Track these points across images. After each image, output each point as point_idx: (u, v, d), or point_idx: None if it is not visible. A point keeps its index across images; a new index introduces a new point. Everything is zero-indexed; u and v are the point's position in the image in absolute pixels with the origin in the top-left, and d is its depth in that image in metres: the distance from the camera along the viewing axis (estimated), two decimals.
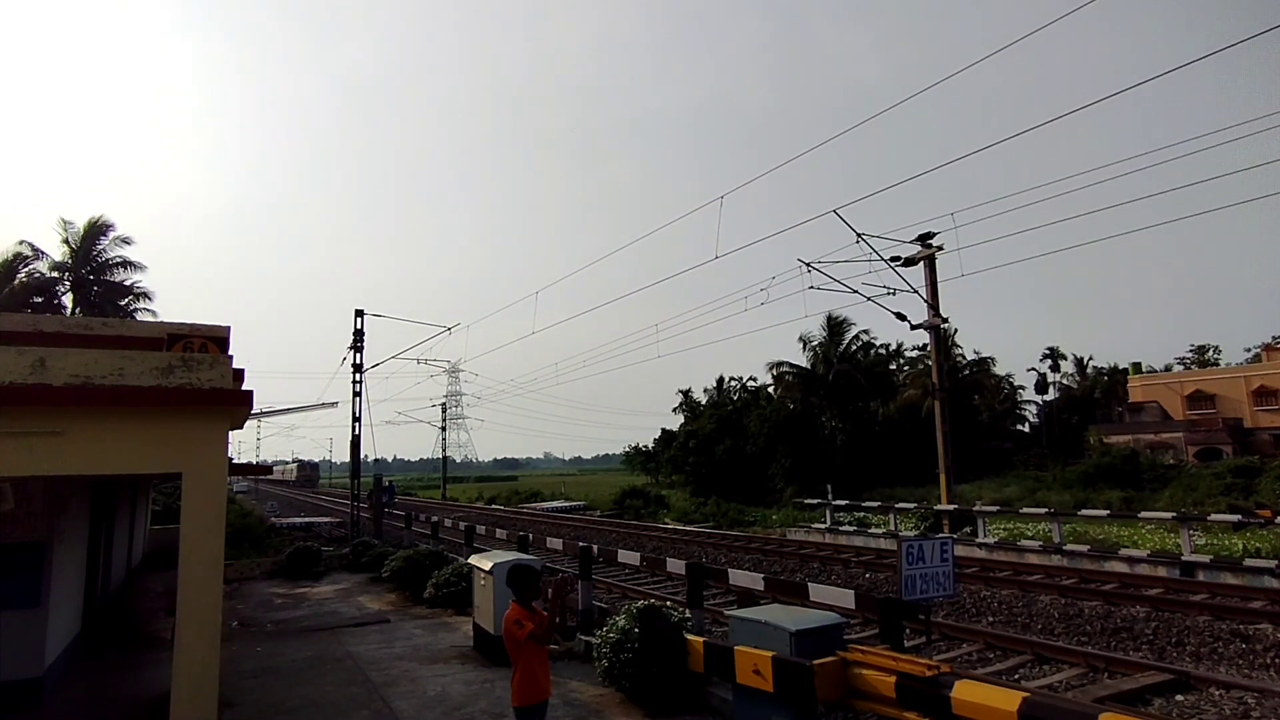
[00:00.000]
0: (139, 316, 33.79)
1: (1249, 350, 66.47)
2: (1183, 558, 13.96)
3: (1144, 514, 17.72)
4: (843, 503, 24.29)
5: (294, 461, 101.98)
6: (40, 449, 5.78)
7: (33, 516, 7.51)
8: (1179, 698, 7.35)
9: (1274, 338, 64.41)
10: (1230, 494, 28.02)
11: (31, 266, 33.73)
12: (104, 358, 6.16)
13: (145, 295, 35.82)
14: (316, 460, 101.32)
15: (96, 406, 5.97)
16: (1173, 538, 17.83)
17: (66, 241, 34.36)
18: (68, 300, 34.34)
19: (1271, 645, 8.98)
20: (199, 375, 6.37)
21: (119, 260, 35.39)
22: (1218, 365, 65.78)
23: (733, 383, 61.69)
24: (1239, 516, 16.22)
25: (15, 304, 30.54)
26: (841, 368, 45.71)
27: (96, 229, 34.73)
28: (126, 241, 35.55)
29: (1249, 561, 13.37)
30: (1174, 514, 16.58)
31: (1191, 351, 73.22)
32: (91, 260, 34.83)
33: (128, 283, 35.53)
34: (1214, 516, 16.87)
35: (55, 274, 34.31)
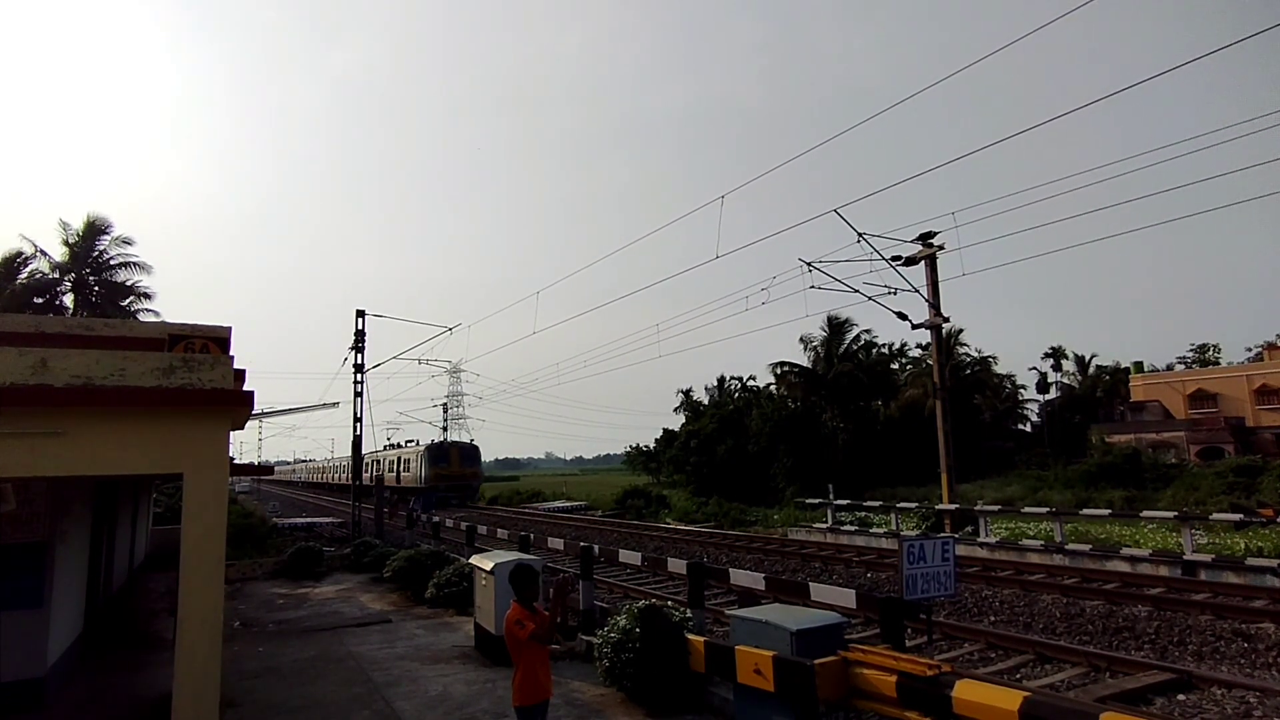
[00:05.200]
0: (141, 317, 33.83)
1: (1250, 349, 66.43)
2: (1185, 557, 13.93)
3: (1146, 513, 17.69)
4: (844, 502, 24.26)
5: (416, 444, 47.48)
6: (42, 450, 5.79)
7: (35, 517, 7.52)
8: (1181, 697, 7.35)
9: (1277, 336, 64.37)
10: (1232, 493, 27.96)
11: (33, 267, 33.82)
12: (105, 358, 6.17)
13: (147, 295, 35.87)
14: (472, 440, 47.30)
15: (98, 407, 5.98)
16: (1175, 537, 17.80)
17: (66, 242, 34.41)
18: (69, 300, 34.39)
19: (1274, 645, 8.96)
20: (200, 376, 6.38)
21: (120, 260, 35.44)
22: (1218, 364, 65.69)
23: (734, 382, 61.80)
24: (1241, 515, 16.22)
25: (16, 304, 30.58)
26: (843, 367, 45.70)
27: (95, 229, 34.72)
28: (127, 242, 35.60)
29: (1251, 561, 13.34)
30: (1176, 513, 16.56)
31: (1193, 350, 73.17)
32: (91, 260, 34.87)
33: (129, 283, 35.59)
34: (1216, 516, 16.85)
35: (56, 274, 34.36)
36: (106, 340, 7.60)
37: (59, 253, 34.38)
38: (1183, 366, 68.91)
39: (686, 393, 63.49)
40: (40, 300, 33.25)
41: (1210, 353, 71.44)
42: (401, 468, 46.07)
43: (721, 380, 62.92)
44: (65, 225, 34.42)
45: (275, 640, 10.37)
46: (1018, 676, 8.27)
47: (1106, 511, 19.62)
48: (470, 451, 43.95)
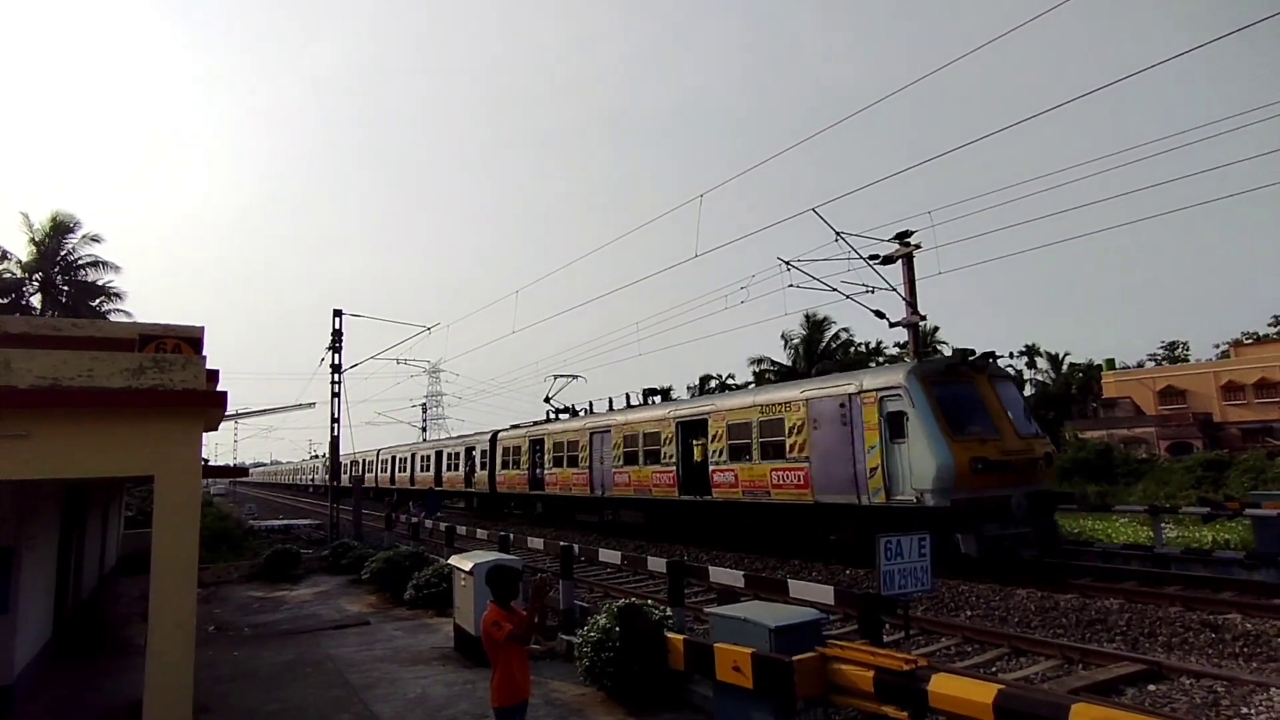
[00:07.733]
0: (112, 317, 33.08)
1: (1218, 346, 67.95)
2: (1155, 550, 14.21)
3: (1118, 507, 18.01)
4: None
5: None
6: (7, 452, 5.66)
7: (0, 521, 7.35)
8: (1151, 687, 7.48)
9: (1243, 333, 65.93)
10: (1200, 487, 28.61)
11: (1, 267, 32.95)
12: (72, 359, 6.04)
13: (118, 295, 35.06)
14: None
15: (65, 408, 5.86)
16: (1145, 530, 18.15)
17: (33, 240, 33.50)
18: (36, 301, 33.57)
19: (1240, 635, 9.16)
20: (171, 376, 6.27)
21: (89, 260, 34.60)
22: (1187, 361, 67.09)
23: (713, 381, 61.97)
24: (1209, 509, 16.53)
25: None
26: (822, 365, 46.02)
27: (61, 226, 33.73)
28: (95, 239, 34.73)
29: (1218, 553, 13.64)
30: (1146, 507, 16.86)
31: (1162, 348, 74.72)
32: (59, 259, 34.01)
33: (100, 283, 34.79)
34: (1185, 509, 17.18)
35: (24, 274, 33.51)
36: (74, 341, 7.44)
37: (25, 251, 33.50)
38: (1153, 364, 70.25)
39: (667, 391, 63.62)
40: (5, 301, 32.44)
41: (1179, 350, 73.01)
42: (779, 435, 17.08)
43: (704, 380, 63.11)
44: (27, 218, 33.27)
45: (251, 644, 10.23)
46: (993, 670, 8.38)
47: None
48: (1020, 397, 16.48)
